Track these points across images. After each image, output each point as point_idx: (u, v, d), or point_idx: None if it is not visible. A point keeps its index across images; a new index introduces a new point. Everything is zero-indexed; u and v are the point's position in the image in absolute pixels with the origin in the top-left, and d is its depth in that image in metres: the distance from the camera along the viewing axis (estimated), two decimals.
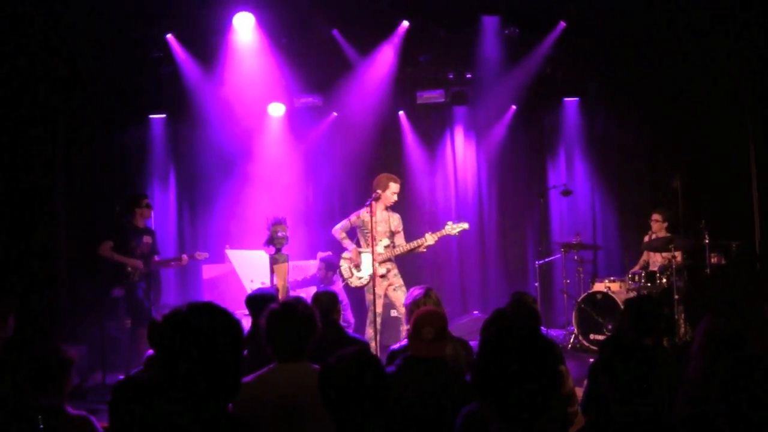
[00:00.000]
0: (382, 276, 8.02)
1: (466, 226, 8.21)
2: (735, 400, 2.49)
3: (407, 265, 9.09)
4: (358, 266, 8.13)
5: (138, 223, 8.49)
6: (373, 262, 7.79)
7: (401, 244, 8.11)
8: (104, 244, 8.27)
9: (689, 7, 9.33)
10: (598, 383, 3.93)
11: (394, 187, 8.13)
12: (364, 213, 8.09)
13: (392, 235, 8.13)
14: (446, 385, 3.83)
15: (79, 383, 7.50)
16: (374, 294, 7.72)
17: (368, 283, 8.03)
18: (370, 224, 7.75)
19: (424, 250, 8.16)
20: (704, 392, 3.12)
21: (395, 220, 8.18)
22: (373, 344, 7.35)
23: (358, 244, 8.33)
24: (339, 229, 8.31)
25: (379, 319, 7.69)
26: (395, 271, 8.16)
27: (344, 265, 8.26)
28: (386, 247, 8.08)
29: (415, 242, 8.07)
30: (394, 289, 8.02)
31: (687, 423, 3.09)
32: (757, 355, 2.93)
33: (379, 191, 8.05)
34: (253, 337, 5.38)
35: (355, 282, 8.17)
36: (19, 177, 9.13)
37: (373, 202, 7.66)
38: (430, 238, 7.98)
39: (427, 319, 4.03)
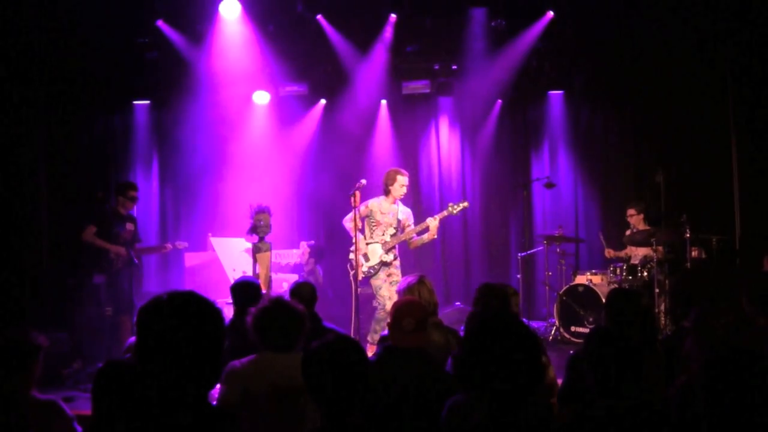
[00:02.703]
0: (388, 264, 8.00)
1: (466, 204, 8.23)
2: (715, 391, 2.50)
3: None
4: (366, 256, 8.08)
5: (120, 210, 8.47)
6: (356, 252, 7.76)
7: (406, 232, 8.09)
8: (87, 229, 8.23)
9: (674, 3, 9.38)
10: (577, 375, 3.94)
11: (401, 180, 8.07)
12: (371, 202, 8.12)
13: (399, 224, 8.11)
14: (426, 374, 3.84)
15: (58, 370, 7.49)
16: (354, 281, 7.73)
17: (376, 272, 8.01)
18: (378, 214, 7.99)
19: (434, 235, 8.01)
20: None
21: (403, 214, 8.15)
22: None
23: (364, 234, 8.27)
24: (348, 220, 8.21)
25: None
26: (398, 263, 8.15)
27: (352, 256, 8.10)
28: (392, 235, 8.07)
29: (417, 227, 8.05)
30: (391, 284, 7.94)
31: (680, 417, 3.11)
32: (741, 349, 2.95)
33: (386, 187, 8.07)
34: (235, 326, 5.41)
35: (364, 271, 8.05)
36: (0, 161, 9.05)
37: (357, 192, 7.62)
38: (432, 222, 7.93)
39: (407, 309, 4.04)
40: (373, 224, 8.10)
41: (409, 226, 8.15)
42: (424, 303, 4.64)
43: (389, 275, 7.99)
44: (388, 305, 7.58)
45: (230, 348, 5.11)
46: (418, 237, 8.13)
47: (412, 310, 4.05)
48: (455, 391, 3.82)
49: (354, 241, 7.75)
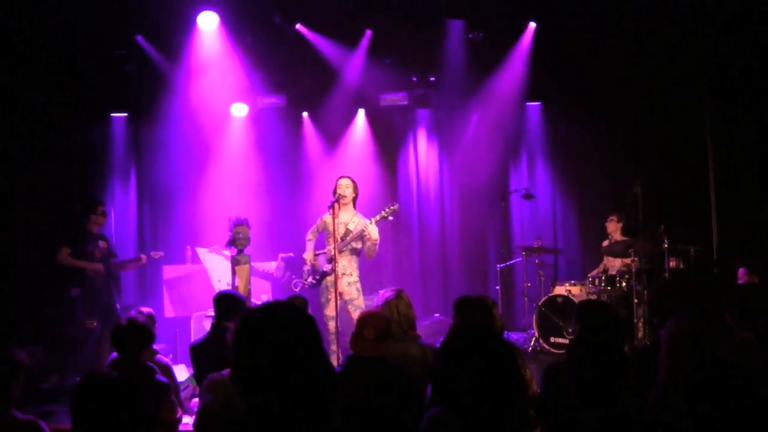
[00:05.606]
0: (328, 273, 7.76)
1: (395, 207, 7.95)
2: (700, 402, 2.51)
3: (369, 268, 9.09)
4: (312, 267, 8.00)
5: (92, 229, 8.40)
6: (335, 262, 7.68)
7: (346, 240, 7.79)
8: (62, 251, 8.14)
9: (651, 16, 9.46)
10: (554, 386, 3.94)
11: (339, 183, 7.92)
12: (326, 216, 7.87)
13: (347, 233, 7.79)
14: (387, 383, 3.98)
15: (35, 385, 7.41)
16: (335, 292, 7.53)
17: (318, 284, 7.89)
18: (331, 226, 7.57)
19: (374, 238, 7.66)
20: (673, 396, 3.15)
21: (357, 225, 7.81)
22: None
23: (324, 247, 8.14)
24: (308, 233, 8.17)
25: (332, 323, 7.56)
26: (353, 280, 7.84)
27: (305, 267, 8.10)
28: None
29: (354, 233, 7.76)
30: (347, 302, 7.78)
31: (656, 427, 3.11)
32: (721, 357, 2.96)
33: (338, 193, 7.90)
34: (215, 336, 5.40)
35: (308, 282, 7.97)
36: None
37: (335, 204, 7.52)
38: (370, 226, 7.64)
39: (369, 320, 4.22)
40: (328, 236, 7.87)
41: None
42: (401, 318, 4.71)
43: (346, 295, 7.77)
44: (331, 325, 7.50)
45: (211, 358, 5.11)
46: (365, 245, 7.83)
47: (374, 320, 4.21)
48: (417, 400, 3.89)
49: (327, 251, 7.69)
